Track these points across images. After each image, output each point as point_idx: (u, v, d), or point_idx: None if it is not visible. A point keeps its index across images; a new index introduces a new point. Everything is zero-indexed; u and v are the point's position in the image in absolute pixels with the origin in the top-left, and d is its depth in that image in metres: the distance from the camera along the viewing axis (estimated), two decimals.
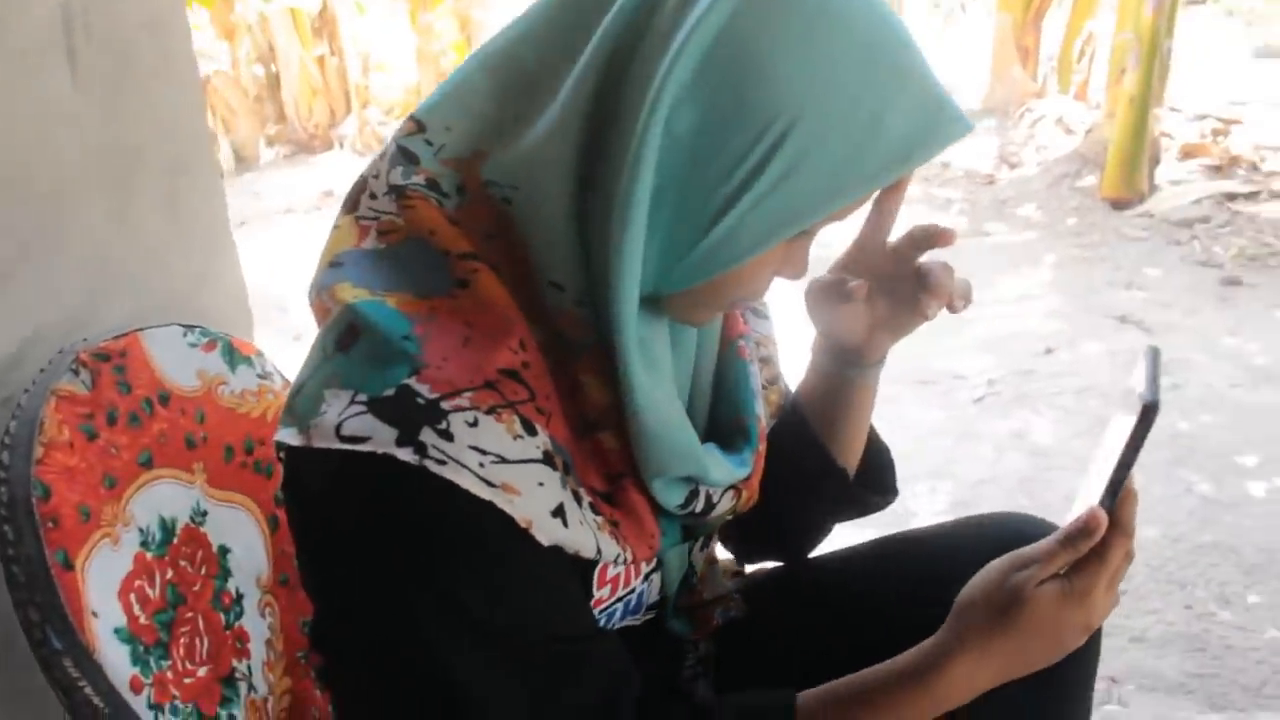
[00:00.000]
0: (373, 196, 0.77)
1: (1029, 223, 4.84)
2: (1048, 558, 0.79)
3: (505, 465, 0.69)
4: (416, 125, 0.77)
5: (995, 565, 0.82)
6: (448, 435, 0.68)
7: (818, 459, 1.01)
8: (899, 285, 0.93)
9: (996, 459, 2.76)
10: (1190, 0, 7.35)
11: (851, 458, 1.04)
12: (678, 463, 0.80)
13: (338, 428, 0.68)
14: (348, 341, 0.71)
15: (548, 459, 0.72)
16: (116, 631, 0.85)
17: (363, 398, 0.68)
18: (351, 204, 0.79)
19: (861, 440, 1.04)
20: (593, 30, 0.71)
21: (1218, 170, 5.02)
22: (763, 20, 0.68)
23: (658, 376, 0.77)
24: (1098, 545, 0.78)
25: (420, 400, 0.68)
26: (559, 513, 0.72)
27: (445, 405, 0.68)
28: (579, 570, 0.79)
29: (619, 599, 0.88)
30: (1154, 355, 0.80)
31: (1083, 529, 0.77)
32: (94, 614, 0.83)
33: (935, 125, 0.71)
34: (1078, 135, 5.46)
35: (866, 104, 0.68)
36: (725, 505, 0.88)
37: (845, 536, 1.13)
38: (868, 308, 0.96)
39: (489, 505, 0.69)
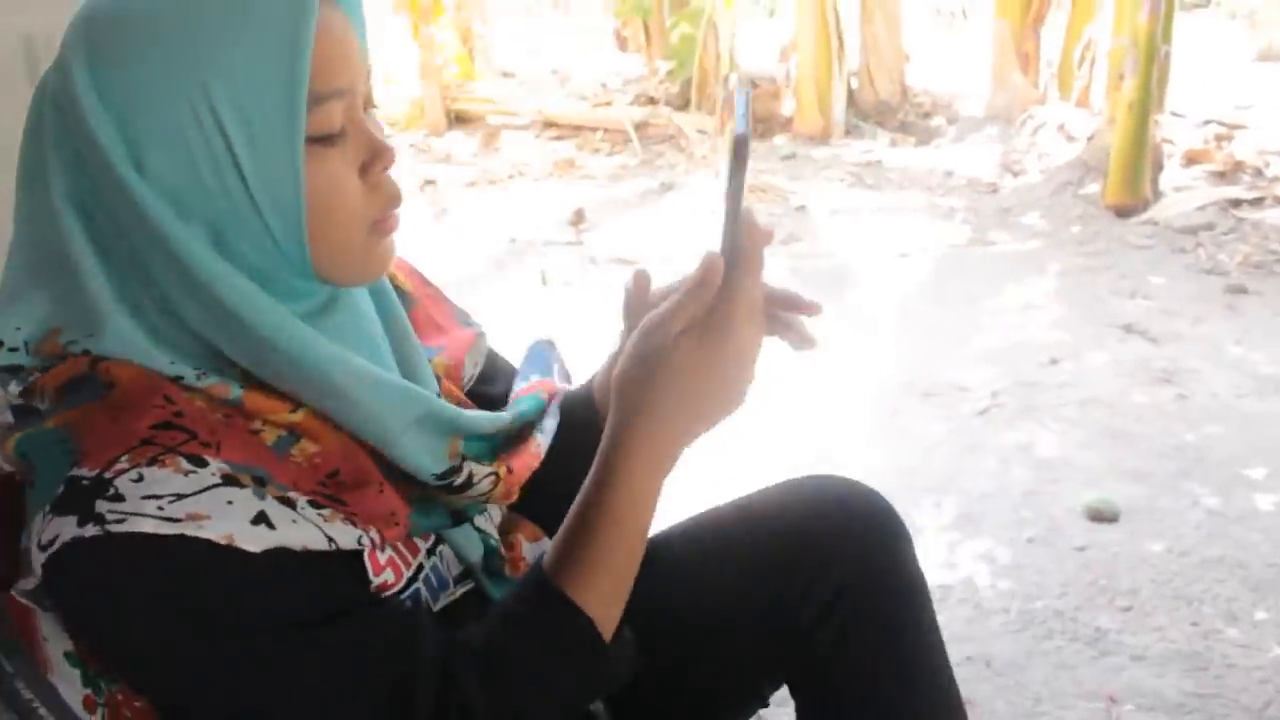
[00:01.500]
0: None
1: (1033, 231, 4.84)
2: (677, 311, 0.84)
3: (185, 499, 0.73)
4: None
5: (631, 339, 0.87)
6: (118, 497, 0.72)
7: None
8: None
9: (1001, 472, 2.75)
10: (1192, 4, 7.33)
11: None
12: (406, 404, 0.83)
13: (39, 541, 0.73)
14: (30, 476, 0.77)
15: (229, 480, 0.75)
16: (66, 655, 0.86)
17: (47, 509, 0.73)
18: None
19: None
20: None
21: (1222, 176, 5.02)
22: (109, 55, 0.75)
23: (342, 349, 0.81)
24: (725, 286, 0.83)
25: (85, 482, 0.73)
26: (261, 519, 0.75)
27: (107, 475, 0.72)
28: (336, 561, 0.81)
29: (410, 580, 0.90)
30: (746, 94, 0.82)
31: (702, 277, 0.84)
32: (45, 639, 0.85)
33: None
34: (1080, 142, 5.46)
35: (232, 18, 0.74)
36: (483, 487, 0.89)
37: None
38: None
39: (180, 538, 0.72)
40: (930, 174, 5.74)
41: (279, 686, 0.77)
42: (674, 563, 1.09)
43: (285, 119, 0.76)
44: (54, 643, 0.85)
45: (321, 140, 0.78)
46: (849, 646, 1.01)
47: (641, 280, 0.98)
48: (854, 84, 6.65)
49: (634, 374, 0.86)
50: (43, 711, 0.85)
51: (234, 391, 0.79)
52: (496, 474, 0.90)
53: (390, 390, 0.82)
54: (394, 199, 0.84)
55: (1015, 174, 5.54)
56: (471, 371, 1.05)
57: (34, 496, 0.77)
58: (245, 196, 0.76)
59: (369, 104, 0.84)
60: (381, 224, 0.83)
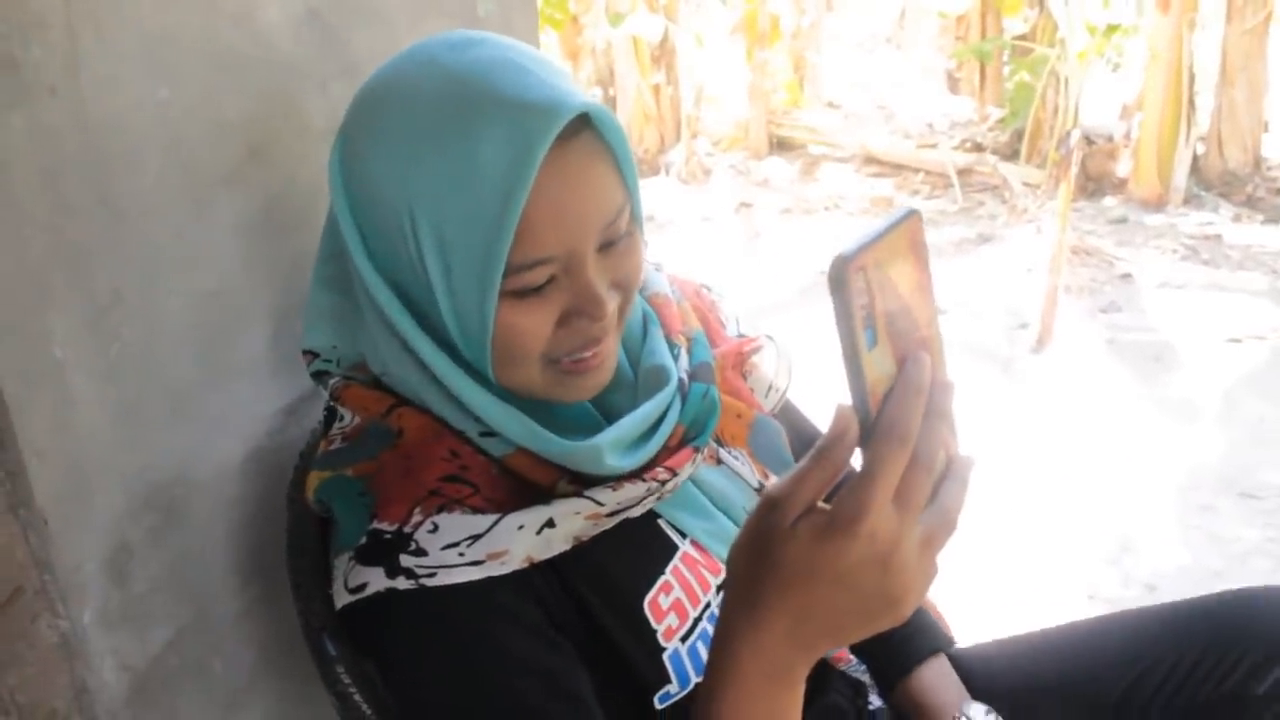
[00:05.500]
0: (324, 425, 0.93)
1: None
2: (797, 484, 0.64)
3: (480, 539, 0.80)
4: (310, 355, 0.92)
5: (756, 505, 0.67)
6: (421, 551, 0.79)
7: None
8: None
9: None
10: None
11: None
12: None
13: (346, 584, 0.81)
14: (328, 515, 0.86)
15: (516, 503, 0.83)
16: None
17: (351, 554, 0.81)
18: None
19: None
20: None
21: None
22: (355, 141, 0.81)
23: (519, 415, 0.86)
24: (865, 459, 0.62)
25: (387, 535, 0.80)
26: (548, 524, 0.82)
27: (406, 529, 0.80)
28: (617, 627, 0.87)
29: (705, 607, 0.91)
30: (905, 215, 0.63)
31: (828, 439, 0.63)
32: None
33: (531, 130, 0.74)
34: None
35: (454, 157, 0.74)
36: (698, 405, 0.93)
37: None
38: None
39: (486, 580, 0.79)
40: (1277, 255, 5.34)
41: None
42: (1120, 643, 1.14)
43: (479, 278, 0.77)
44: None
45: (518, 293, 0.79)
46: None
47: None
48: (1200, 149, 6.27)
49: (743, 558, 0.67)
50: (357, 697, 0.91)
51: (502, 450, 0.85)
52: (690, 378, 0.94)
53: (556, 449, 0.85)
54: (583, 346, 0.84)
55: None
56: (770, 379, 1.08)
57: (335, 532, 0.85)
58: (440, 308, 0.81)
59: (614, 238, 0.82)
60: (564, 364, 0.84)
